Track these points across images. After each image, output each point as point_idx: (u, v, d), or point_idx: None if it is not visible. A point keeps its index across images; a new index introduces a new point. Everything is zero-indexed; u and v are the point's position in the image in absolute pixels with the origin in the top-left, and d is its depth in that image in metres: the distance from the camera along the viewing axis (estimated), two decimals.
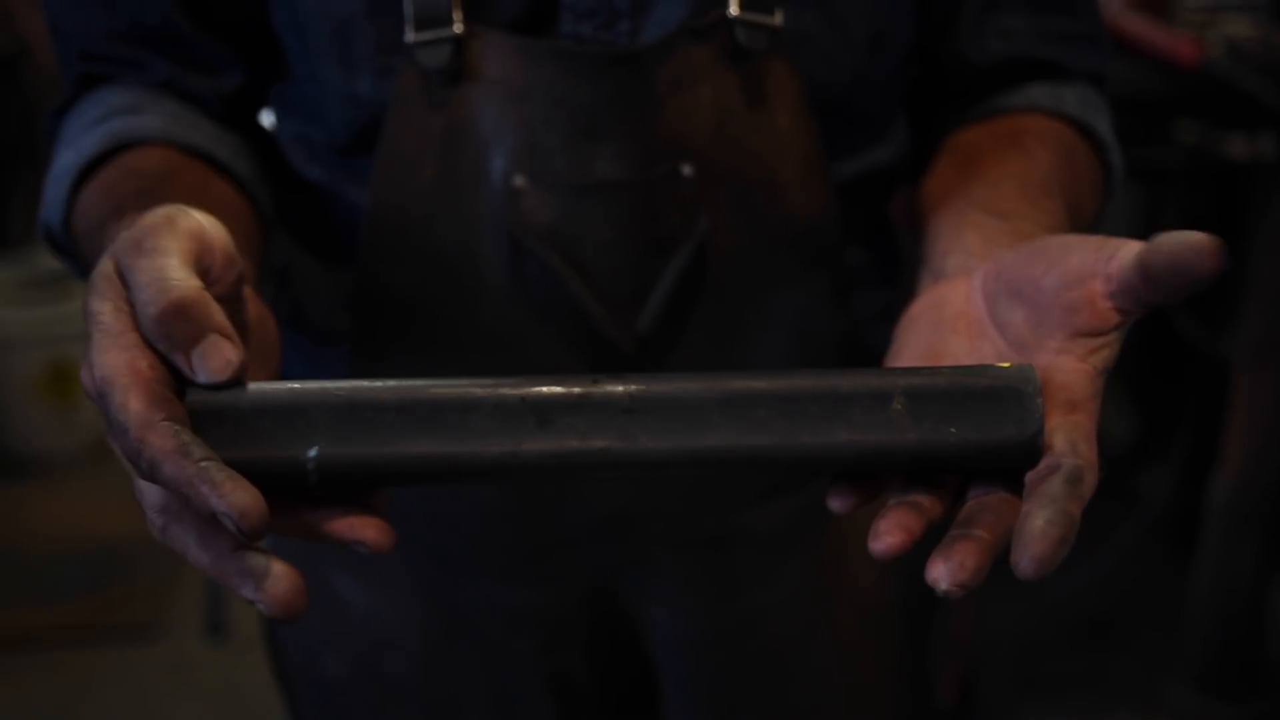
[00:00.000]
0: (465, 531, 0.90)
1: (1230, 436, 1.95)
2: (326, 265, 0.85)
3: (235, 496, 0.49)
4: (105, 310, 0.53)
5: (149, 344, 0.53)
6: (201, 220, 0.57)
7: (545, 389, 0.56)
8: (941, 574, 0.52)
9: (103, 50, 0.82)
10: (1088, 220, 0.80)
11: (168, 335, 0.52)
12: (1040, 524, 0.50)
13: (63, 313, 2.97)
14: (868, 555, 0.94)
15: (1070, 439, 0.54)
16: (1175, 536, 2.33)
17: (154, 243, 0.55)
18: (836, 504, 0.59)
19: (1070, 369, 0.57)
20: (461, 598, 0.92)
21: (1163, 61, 1.86)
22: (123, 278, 0.54)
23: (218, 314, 0.54)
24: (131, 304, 0.54)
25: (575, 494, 0.86)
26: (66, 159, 0.77)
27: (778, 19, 0.75)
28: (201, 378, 0.53)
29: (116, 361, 0.52)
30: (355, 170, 0.80)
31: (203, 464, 0.50)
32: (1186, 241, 0.51)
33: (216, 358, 0.53)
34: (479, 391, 0.56)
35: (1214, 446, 1.99)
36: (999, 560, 0.53)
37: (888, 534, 0.55)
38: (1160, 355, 2.56)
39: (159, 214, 0.56)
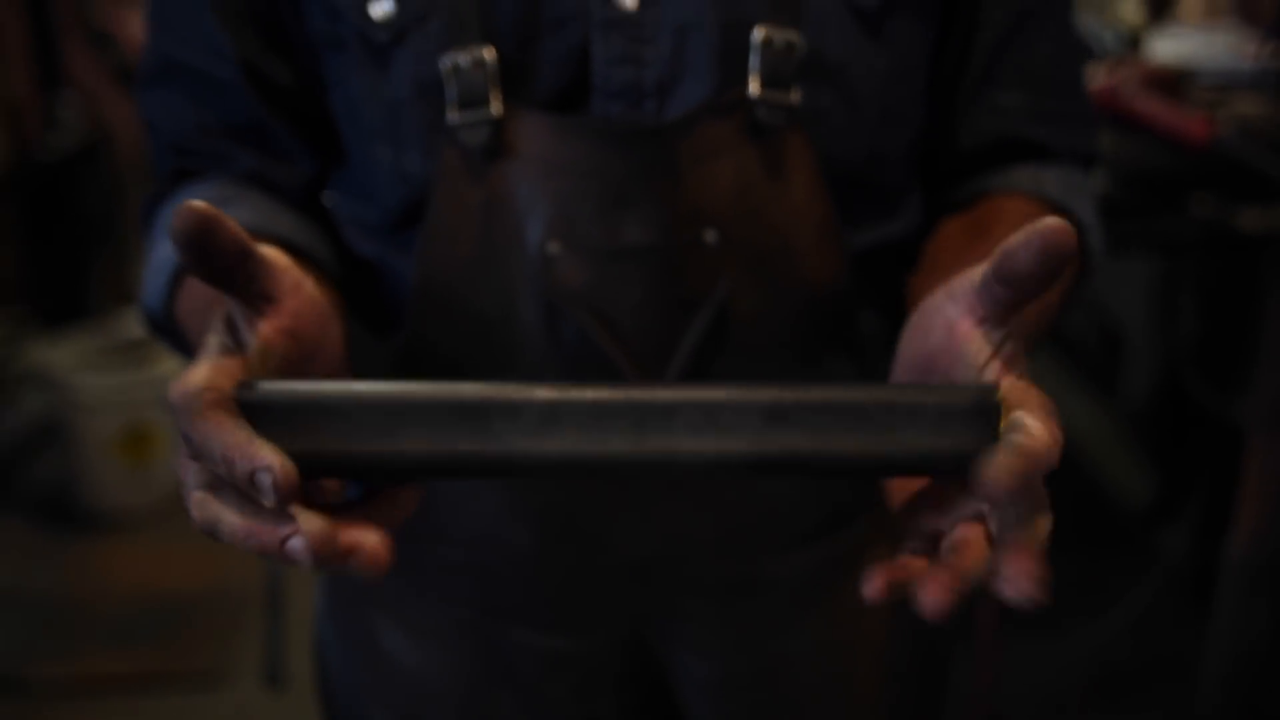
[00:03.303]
0: (506, 583, 0.90)
1: (1244, 498, 1.93)
2: (379, 336, 0.87)
3: (270, 457, 0.52)
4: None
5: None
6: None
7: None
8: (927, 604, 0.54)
9: (193, 144, 0.84)
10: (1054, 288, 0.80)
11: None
12: (1002, 454, 0.52)
13: (139, 379, 3.00)
14: (885, 612, 0.95)
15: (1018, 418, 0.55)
16: (1193, 592, 2.29)
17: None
18: (870, 591, 0.58)
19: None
20: (502, 647, 0.92)
21: (1176, 139, 1.86)
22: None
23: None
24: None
25: (607, 542, 0.86)
26: (164, 251, 0.79)
27: (794, 97, 0.75)
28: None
29: (195, 376, 0.55)
30: (404, 244, 0.81)
31: (247, 436, 0.53)
32: (1025, 235, 0.53)
33: None
34: (512, 395, 0.57)
35: (1229, 506, 1.96)
36: (1021, 614, 0.54)
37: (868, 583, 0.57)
38: (1177, 419, 2.54)
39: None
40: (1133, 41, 2.62)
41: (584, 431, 0.56)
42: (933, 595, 0.54)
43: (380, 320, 0.86)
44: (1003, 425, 0.55)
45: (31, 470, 3.29)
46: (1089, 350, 3.20)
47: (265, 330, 0.59)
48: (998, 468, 0.51)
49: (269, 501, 0.53)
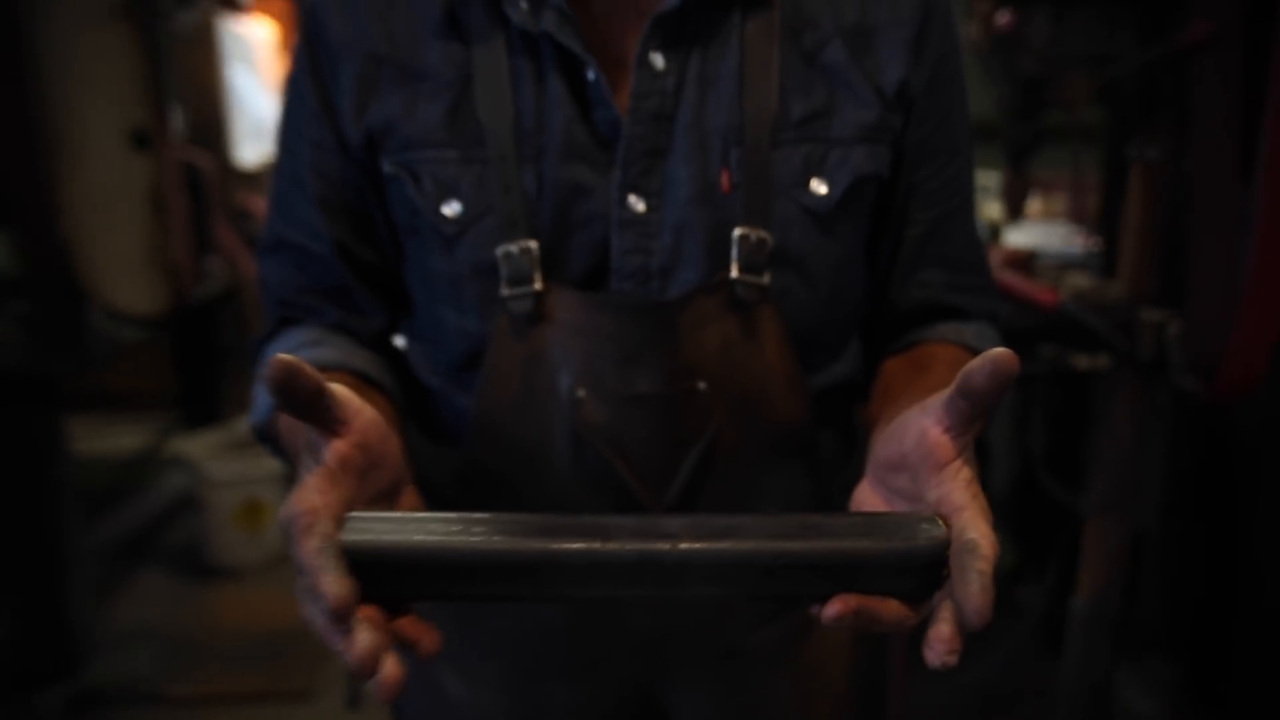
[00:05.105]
0: (540, 645, 0.85)
1: (1084, 566, 1.89)
2: (439, 447, 0.83)
3: (329, 587, 0.49)
4: (305, 476, 0.55)
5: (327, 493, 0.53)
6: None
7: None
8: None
9: (294, 300, 0.82)
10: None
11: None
12: (975, 585, 0.49)
13: (255, 465, 2.97)
14: (840, 667, 0.90)
15: (964, 526, 0.53)
16: (1048, 638, 2.23)
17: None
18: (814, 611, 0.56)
19: (955, 492, 0.55)
20: (537, 694, 0.87)
21: (1029, 303, 1.86)
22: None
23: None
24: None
25: (621, 623, 0.82)
26: None
27: (766, 279, 0.73)
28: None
29: (297, 500, 0.52)
30: (463, 382, 0.78)
31: (323, 553, 0.50)
32: (981, 360, 0.51)
33: None
34: (558, 549, 0.54)
35: (1074, 573, 1.92)
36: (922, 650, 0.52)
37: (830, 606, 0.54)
38: (1035, 506, 2.50)
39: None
40: (995, 232, 2.64)
41: (615, 582, 0.54)
42: (831, 604, 0.54)
43: (439, 433, 0.83)
44: (955, 539, 0.53)
45: (172, 533, 3.23)
46: None
47: (340, 446, 0.56)
48: (979, 609, 0.49)
49: (322, 621, 0.50)
